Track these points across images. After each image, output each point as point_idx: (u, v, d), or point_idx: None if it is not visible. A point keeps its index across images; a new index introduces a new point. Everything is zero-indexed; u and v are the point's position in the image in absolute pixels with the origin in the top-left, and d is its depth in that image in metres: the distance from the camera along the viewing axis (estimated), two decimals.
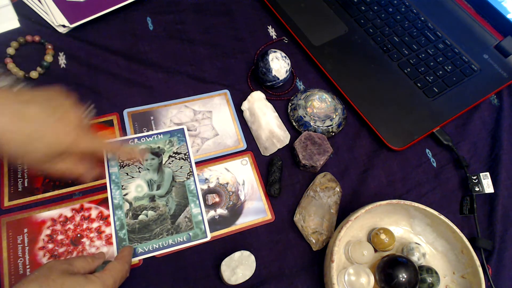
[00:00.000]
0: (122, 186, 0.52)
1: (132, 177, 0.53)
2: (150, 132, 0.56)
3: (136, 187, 0.52)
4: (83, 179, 0.48)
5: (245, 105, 0.59)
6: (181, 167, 0.55)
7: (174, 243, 0.50)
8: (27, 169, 0.52)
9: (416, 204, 0.48)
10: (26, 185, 0.51)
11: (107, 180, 0.52)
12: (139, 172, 0.53)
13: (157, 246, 0.49)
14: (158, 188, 0.53)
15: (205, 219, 0.52)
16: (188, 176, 0.54)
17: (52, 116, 0.41)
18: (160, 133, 0.56)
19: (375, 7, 0.72)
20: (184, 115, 0.59)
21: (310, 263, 0.52)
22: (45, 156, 0.42)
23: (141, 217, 0.51)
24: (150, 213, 0.51)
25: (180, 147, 0.56)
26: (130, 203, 0.51)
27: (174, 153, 0.55)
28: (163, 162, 0.55)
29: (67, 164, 0.44)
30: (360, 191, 0.57)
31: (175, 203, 0.52)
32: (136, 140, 0.56)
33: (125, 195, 0.52)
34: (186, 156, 0.55)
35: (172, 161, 0.55)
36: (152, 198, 0.52)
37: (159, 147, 0.56)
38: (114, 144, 0.46)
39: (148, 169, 0.54)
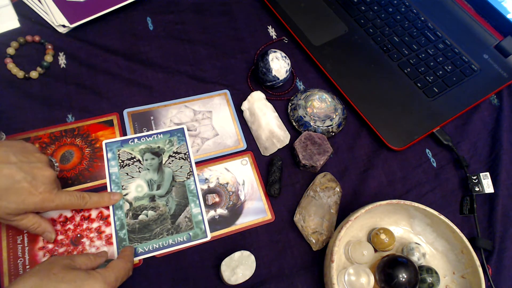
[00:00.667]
0: (122, 186, 0.52)
1: (132, 177, 0.53)
2: (150, 132, 0.56)
3: (136, 187, 0.52)
4: (46, 236, 0.47)
5: (245, 105, 0.59)
6: (181, 166, 0.55)
7: (174, 243, 0.50)
8: None
9: (416, 204, 0.48)
10: None
11: (107, 180, 0.52)
12: (139, 172, 0.53)
13: (157, 246, 0.49)
14: (158, 188, 0.53)
15: (205, 219, 0.52)
16: (188, 176, 0.54)
17: (24, 175, 0.41)
18: (160, 133, 0.56)
19: (375, 7, 0.72)
20: (184, 115, 0.59)
21: (310, 263, 0.52)
22: (11, 212, 0.42)
23: (141, 217, 0.51)
24: (150, 213, 0.51)
25: (180, 147, 0.56)
26: (130, 203, 0.51)
27: (174, 152, 0.55)
28: (163, 162, 0.55)
29: (33, 220, 0.45)
30: (360, 191, 0.57)
31: (175, 203, 0.52)
32: (136, 140, 0.55)
33: (125, 195, 0.52)
34: (186, 156, 0.55)
35: (172, 161, 0.55)
36: (152, 198, 0.52)
37: (159, 146, 0.56)
38: (78, 200, 0.46)
39: (148, 169, 0.54)
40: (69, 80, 0.59)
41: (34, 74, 0.58)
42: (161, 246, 0.49)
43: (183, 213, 0.52)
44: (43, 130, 0.55)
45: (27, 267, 0.46)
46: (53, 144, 0.54)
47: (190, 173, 0.54)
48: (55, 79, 0.59)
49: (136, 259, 0.48)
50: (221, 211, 0.53)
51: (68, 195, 0.46)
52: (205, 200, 0.53)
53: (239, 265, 0.46)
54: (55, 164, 0.50)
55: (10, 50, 0.59)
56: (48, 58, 0.60)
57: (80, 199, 0.47)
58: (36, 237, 0.48)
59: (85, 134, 0.55)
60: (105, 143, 0.55)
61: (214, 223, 0.52)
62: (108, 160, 0.54)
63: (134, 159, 0.54)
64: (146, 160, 0.54)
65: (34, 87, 0.58)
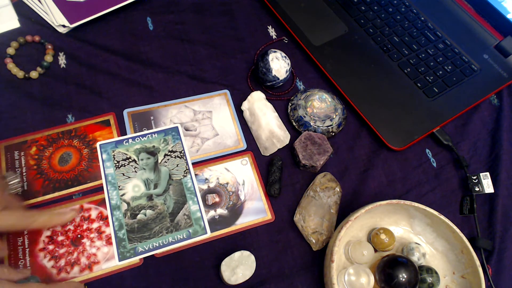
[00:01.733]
0: (119, 186, 0.52)
1: (129, 177, 0.53)
2: (144, 132, 0.56)
3: (133, 187, 0.52)
4: None
5: (245, 105, 0.59)
6: (177, 165, 0.55)
7: (174, 240, 0.50)
8: (26, 171, 0.52)
9: (416, 204, 0.48)
10: (26, 188, 0.51)
11: (103, 181, 0.52)
12: (135, 172, 0.53)
13: (157, 245, 0.49)
14: (155, 187, 0.53)
15: (204, 215, 0.52)
16: (185, 174, 0.54)
17: None
18: (154, 132, 0.56)
19: (375, 7, 0.72)
20: (184, 115, 0.59)
21: (310, 263, 0.52)
22: None
23: (139, 216, 0.51)
24: (149, 212, 0.51)
25: (175, 145, 0.56)
26: (128, 203, 0.51)
27: (169, 151, 0.55)
28: (159, 161, 0.55)
29: None
30: (360, 191, 0.57)
31: (173, 201, 0.52)
32: (130, 140, 0.55)
33: (122, 195, 0.52)
34: (181, 154, 0.55)
35: (168, 159, 0.55)
36: (150, 197, 0.52)
37: (154, 146, 0.55)
38: (21, 221, 0.43)
39: (144, 169, 0.54)
40: (69, 80, 0.59)
41: (34, 74, 0.58)
42: (161, 244, 0.49)
43: (182, 211, 0.52)
44: (40, 132, 0.55)
45: (28, 268, 0.46)
46: (51, 146, 0.54)
47: (187, 171, 0.54)
48: (55, 79, 0.59)
49: (137, 258, 0.48)
50: (221, 211, 0.53)
51: (8, 216, 0.43)
52: (205, 200, 0.53)
53: (239, 265, 0.46)
54: (12, 178, 0.49)
55: (10, 50, 0.59)
56: (48, 58, 0.60)
57: (24, 219, 0.44)
58: (37, 239, 0.48)
59: (83, 135, 0.55)
60: (99, 145, 0.55)
61: (214, 223, 0.52)
62: (103, 161, 0.53)
63: (130, 159, 0.54)
64: (142, 159, 0.54)
65: (34, 87, 0.58)
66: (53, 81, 0.59)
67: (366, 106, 0.61)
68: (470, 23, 0.73)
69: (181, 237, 0.50)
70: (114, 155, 0.54)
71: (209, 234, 0.51)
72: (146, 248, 0.49)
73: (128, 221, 0.50)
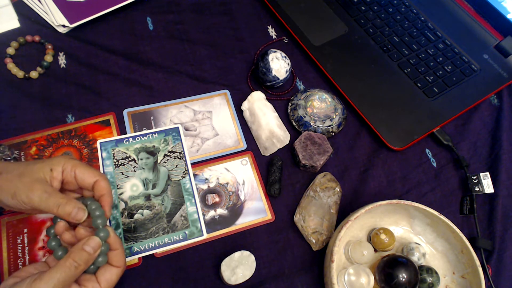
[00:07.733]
0: (118, 185, 0.52)
1: (127, 176, 0.53)
2: (145, 131, 0.56)
3: (132, 186, 0.52)
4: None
5: (245, 105, 0.59)
6: (176, 166, 0.55)
7: (170, 241, 0.50)
8: None
9: (416, 204, 0.48)
10: None
11: None
12: (134, 171, 0.53)
13: (153, 245, 0.49)
14: (154, 187, 0.53)
15: (201, 217, 0.52)
16: (184, 175, 0.54)
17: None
18: (155, 132, 0.56)
19: (375, 7, 0.72)
20: (184, 115, 0.59)
21: (310, 263, 0.52)
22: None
23: (136, 216, 0.51)
24: (146, 212, 0.51)
25: (175, 146, 0.56)
26: (126, 202, 0.51)
27: (169, 152, 0.55)
28: (158, 161, 0.55)
29: None
30: (360, 191, 0.57)
31: (170, 202, 0.52)
32: (131, 139, 0.55)
33: (120, 194, 0.52)
34: (181, 155, 0.55)
35: (167, 160, 0.55)
36: (148, 197, 0.52)
37: (154, 146, 0.55)
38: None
39: (143, 168, 0.54)
40: (69, 80, 0.59)
41: (34, 74, 0.58)
42: (157, 245, 0.49)
43: (179, 212, 0.52)
44: (39, 132, 0.55)
45: None
46: (51, 146, 0.54)
47: (186, 172, 0.54)
48: (55, 79, 0.59)
49: (132, 258, 0.48)
50: (221, 211, 0.53)
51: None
52: (205, 200, 0.53)
53: (239, 265, 0.46)
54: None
55: (10, 50, 0.59)
56: (48, 58, 0.60)
57: (51, 200, 0.39)
58: (36, 237, 0.48)
59: (82, 135, 0.55)
60: (100, 143, 0.55)
61: (214, 223, 0.52)
62: (103, 159, 0.53)
63: (129, 158, 0.54)
64: (141, 159, 0.54)
65: (34, 87, 0.58)
66: (53, 81, 0.59)
67: (366, 106, 0.61)
68: (470, 23, 0.73)
69: (178, 238, 0.50)
70: (114, 153, 0.54)
71: (205, 236, 0.51)
72: (142, 248, 0.49)
73: (125, 220, 0.50)
